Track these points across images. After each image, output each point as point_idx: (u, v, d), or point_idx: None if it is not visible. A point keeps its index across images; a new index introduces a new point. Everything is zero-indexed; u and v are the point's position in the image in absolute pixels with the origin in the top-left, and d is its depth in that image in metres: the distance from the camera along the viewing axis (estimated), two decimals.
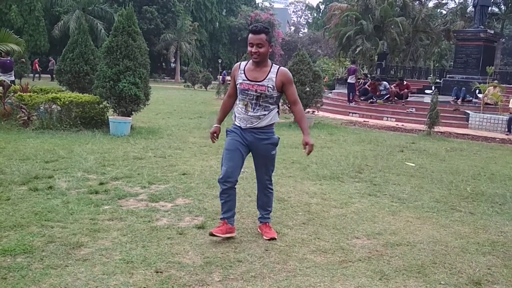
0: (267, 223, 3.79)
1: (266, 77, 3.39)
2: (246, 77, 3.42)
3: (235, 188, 3.57)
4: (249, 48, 3.35)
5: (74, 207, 4.17)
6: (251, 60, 3.47)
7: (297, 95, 3.58)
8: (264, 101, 3.43)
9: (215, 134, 3.65)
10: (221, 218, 3.62)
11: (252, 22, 51.68)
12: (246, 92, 3.43)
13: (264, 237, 3.65)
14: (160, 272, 2.98)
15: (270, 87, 3.39)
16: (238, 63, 3.60)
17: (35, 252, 3.16)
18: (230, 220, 3.60)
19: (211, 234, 3.49)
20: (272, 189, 3.78)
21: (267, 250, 3.45)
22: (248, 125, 3.49)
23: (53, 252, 3.18)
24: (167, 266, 3.08)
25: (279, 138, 3.69)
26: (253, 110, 3.45)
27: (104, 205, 4.32)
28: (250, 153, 3.64)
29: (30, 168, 5.51)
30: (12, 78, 13.31)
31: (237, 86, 3.50)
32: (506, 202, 5.27)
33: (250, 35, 3.34)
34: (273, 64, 3.47)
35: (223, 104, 3.74)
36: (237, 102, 3.59)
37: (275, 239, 3.63)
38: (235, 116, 3.61)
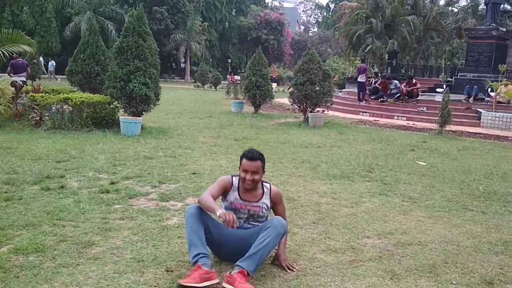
0: (246, 271, 2.86)
1: (261, 198, 3.26)
2: (240, 197, 3.22)
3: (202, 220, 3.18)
4: (242, 174, 3.16)
5: (86, 206, 4.20)
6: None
7: (284, 212, 3.41)
8: (254, 220, 3.25)
9: (232, 220, 2.88)
10: (191, 263, 3.16)
11: (262, 22, 51.77)
12: (238, 211, 3.20)
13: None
14: (171, 271, 2.99)
15: (265, 207, 3.26)
16: (230, 176, 3.30)
17: (47, 251, 3.20)
18: (204, 263, 3.13)
19: (180, 284, 2.93)
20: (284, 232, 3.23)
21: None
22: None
23: (64, 251, 3.21)
24: (177, 265, 3.09)
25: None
26: (242, 226, 3.22)
27: (115, 204, 4.35)
28: None
29: (42, 168, 5.57)
30: (23, 79, 13.43)
31: (227, 202, 3.25)
32: None
33: (245, 161, 3.15)
34: (264, 184, 3.31)
35: (207, 198, 3.06)
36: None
37: None
38: None
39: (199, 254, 2.89)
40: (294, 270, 3.10)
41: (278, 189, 3.48)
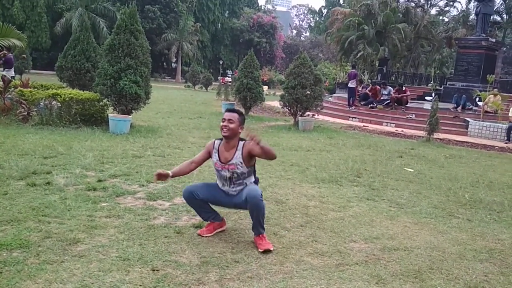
0: (260, 235, 3.55)
1: (234, 155, 3.55)
2: (219, 158, 3.60)
3: (199, 198, 3.65)
4: (221, 123, 3.55)
5: (72, 204, 4.16)
6: (223, 141, 3.61)
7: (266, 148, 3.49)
8: (237, 178, 3.58)
9: (160, 176, 3.58)
10: (205, 221, 3.80)
11: (255, 24, 51.88)
12: (220, 172, 3.62)
13: (259, 249, 3.45)
14: (157, 270, 2.97)
15: (239, 165, 3.53)
16: (213, 141, 3.72)
17: (32, 247, 3.15)
18: (215, 219, 3.76)
19: (200, 235, 3.65)
20: (261, 201, 3.46)
21: (264, 251, 3.44)
22: (229, 193, 3.67)
23: (49, 248, 3.17)
24: (163, 264, 3.07)
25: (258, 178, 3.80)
26: (229, 186, 3.63)
27: (101, 202, 4.31)
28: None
29: (28, 164, 5.50)
30: (13, 73, 13.29)
31: (212, 163, 3.68)
32: (504, 210, 5.26)
33: (225, 113, 3.59)
34: (239, 142, 3.58)
35: (184, 165, 3.74)
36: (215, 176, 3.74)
37: (270, 250, 3.43)
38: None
39: (209, 216, 3.72)
40: (252, 139, 3.31)
41: (252, 143, 3.42)
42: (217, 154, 3.62)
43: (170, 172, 3.60)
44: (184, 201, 3.77)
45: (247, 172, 3.60)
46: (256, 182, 3.71)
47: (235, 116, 3.55)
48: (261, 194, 3.48)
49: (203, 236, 3.62)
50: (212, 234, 3.68)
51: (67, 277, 2.78)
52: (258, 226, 3.54)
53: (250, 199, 3.42)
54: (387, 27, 27.27)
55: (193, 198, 3.63)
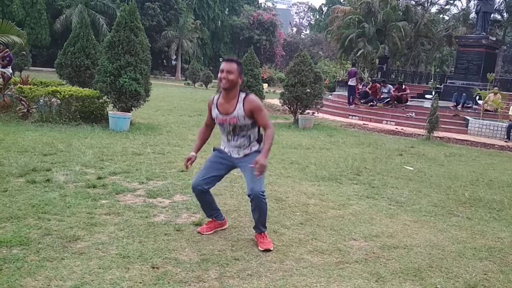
0: (262, 233, 3.56)
1: (235, 108, 3.42)
2: (219, 111, 3.49)
3: (208, 193, 3.61)
4: (219, 74, 3.39)
5: (72, 201, 4.16)
6: (221, 93, 3.50)
7: (267, 119, 3.43)
8: (240, 130, 3.48)
9: (189, 161, 3.55)
10: (207, 217, 3.79)
11: (255, 22, 51.80)
12: (222, 125, 3.52)
13: (259, 248, 3.45)
14: (156, 267, 2.97)
15: (241, 117, 3.41)
16: (212, 96, 3.64)
17: (31, 244, 3.15)
18: (217, 217, 3.76)
19: (200, 232, 3.66)
20: (264, 199, 3.42)
21: (265, 250, 3.44)
22: (232, 154, 3.57)
23: (49, 245, 3.17)
24: (163, 262, 3.08)
25: None
26: (233, 139, 3.53)
27: (101, 200, 4.31)
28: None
29: (28, 161, 5.49)
30: (11, 71, 13.26)
31: (214, 119, 3.58)
32: (504, 208, 5.27)
33: (223, 63, 3.42)
34: (240, 93, 3.45)
35: (201, 133, 3.74)
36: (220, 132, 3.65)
37: (270, 250, 3.42)
38: (221, 141, 3.69)
39: (212, 214, 3.72)
40: (256, 172, 3.25)
41: (258, 99, 3.47)
42: (216, 108, 3.51)
43: (194, 154, 3.57)
44: (193, 196, 3.74)
45: (251, 124, 3.47)
46: (260, 139, 3.56)
47: (233, 66, 3.39)
48: (264, 192, 3.41)
49: (203, 234, 3.63)
50: (211, 232, 3.69)
51: (67, 274, 2.78)
52: (259, 224, 3.53)
53: (253, 196, 3.37)
54: (387, 25, 27.21)
55: (201, 192, 3.56)
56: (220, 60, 3.42)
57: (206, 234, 3.63)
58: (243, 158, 3.53)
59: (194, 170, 5.83)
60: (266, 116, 3.46)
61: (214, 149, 3.72)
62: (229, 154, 3.57)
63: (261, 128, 3.54)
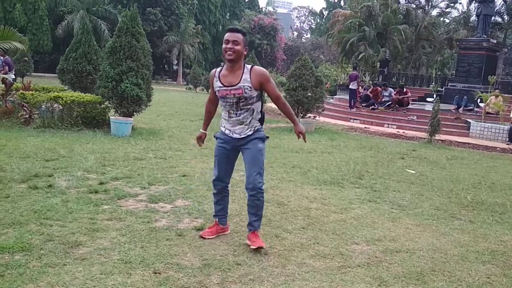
0: (255, 231, 3.57)
1: (240, 79, 3.32)
2: (222, 84, 3.38)
3: (228, 190, 3.68)
4: (224, 45, 3.29)
5: (74, 206, 4.16)
6: (225, 66, 3.42)
7: (277, 89, 3.46)
8: (244, 103, 3.39)
9: (200, 139, 3.70)
10: (214, 216, 3.75)
11: (256, 26, 51.91)
12: (225, 98, 3.40)
13: (251, 246, 3.47)
14: (158, 273, 2.97)
15: (247, 88, 3.32)
16: (214, 69, 3.53)
17: (34, 250, 3.15)
18: (222, 221, 3.73)
19: (201, 237, 3.63)
20: (261, 197, 3.48)
21: (266, 253, 3.44)
22: (234, 135, 3.49)
23: (51, 251, 3.17)
24: (165, 267, 3.07)
25: (267, 136, 3.61)
26: (236, 114, 3.43)
27: (103, 205, 4.31)
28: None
29: (30, 166, 5.50)
30: (13, 76, 13.30)
31: (216, 93, 3.48)
32: (506, 211, 5.25)
33: (227, 33, 3.31)
34: (245, 65, 3.38)
35: (206, 109, 3.72)
36: (222, 109, 3.56)
37: (263, 247, 3.45)
38: (221, 123, 3.60)
39: (220, 214, 3.69)
40: (304, 141, 3.67)
41: (264, 70, 3.45)
42: (218, 81, 3.40)
43: (203, 132, 3.67)
44: (213, 191, 3.72)
45: (256, 97, 3.41)
46: (262, 118, 3.53)
47: (239, 36, 3.28)
48: (262, 188, 3.45)
49: (205, 238, 3.62)
50: (213, 236, 3.66)
51: (69, 280, 2.77)
52: (255, 220, 3.54)
53: (252, 191, 3.40)
54: (388, 28, 27.26)
55: (223, 188, 3.63)
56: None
57: (208, 239, 3.62)
58: (244, 141, 3.46)
59: (196, 175, 5.86)
60: (275, 86, 3.45)
61: (215, 137, 3.64)
62: (230, 135, 3.49)
63: (263, 108, 3.54)
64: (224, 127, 3.54)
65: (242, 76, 3.32)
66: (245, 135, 3.46)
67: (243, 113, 3.41)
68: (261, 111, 3.52)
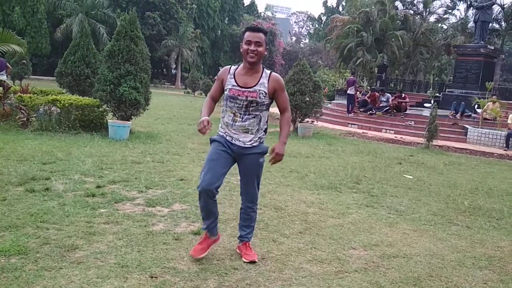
0: (247, 242, 3.45)
1: (258, 82, 3.15)
2: (237, 83, 3.16)
3: (215, 199, 3.24)
4: (245, 46, 3.07)
5: (70, 210, 4.15)
6: (241, 65, 3.22)
7: (288, 103, 3.33)
8: (254, 108, 3.18)
9: (206, 124, 3.02)
10: (203, 228, 3.39)
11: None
12: (235, 99, 3.16)
13: (243, 259, 3.33)
14: (155, 277, 2.96)
15: (262, 93, 3.15)
16: (228, 66, 3.32)
17: (30, 254, 3.14)
18: (212, 231, 3.33)
19: (193, 256, 3.27)
20: (256, 209, 3.45)
21: (263, 258, 3.43)
22: (235, 142, 3.24)
23: (47, 254, 3.16)
24: (162, 271, 3.06)
25: (268, 147, 3.38)
26: (242, 119, 3.19)
27: (100, 208, 4.30)
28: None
29: (27, 169, 5.49)
30: (4, 77, 13.15)
31: (226, 92, 3.22)
32: (503, 217, 5.26)
33: (248, 33, 3.09)
34: (264, 69, 3.22)
35: (207, 103, 3.30)
36: (224, 109, 3.29)
37: (255, 262, 3.32)
38: (221, 124, 3.34)
39: (210, 224, 3.32)
40: (272, 163, 3.31)
41: (281, 77, 3.30)
42: (233, 79, 3.17)
43: (206, 117, 3.08)
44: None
45: (267, 104, 3.23)
46: (265, 131, 3.36)
47: (262, 37, 3.08)
48: (257, 203, 3.45)
49: (197, 258, 3.27)
50: (206, 253, 3.31)
51: (65, 284, 2.76)
52: (247, 233, 3.44)
53: (249, 202, 3.35)
54: (385, 34, 27.38)
55: (209, 196, 3.16)
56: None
57: (200, 258, 3.28)
58: (247, 152, 3.22)
59: (193, 179, 5.85)
60: (288, 99, 3.32)
61: (212, 140, 3.34)
62: (231, 141, 3.23)
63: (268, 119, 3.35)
64: (225, 132, 3.26)
65: (260, 80, 3.16)
66: (249, 145, 3.24)
67: (250, 118, 3.19)
68: (267, 121, 3.36)
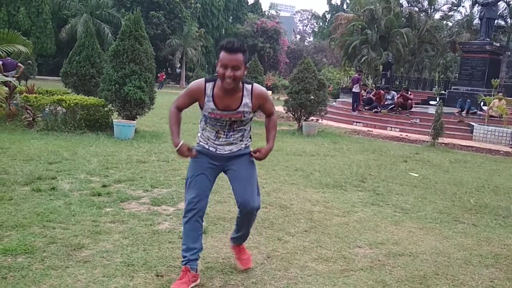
0: (242, 245, 3.25)
1: (240, 103, 2.82)
2: (216, 106, 2.80)
3: (202, 221, 2.94)
4: (220, 70, 2.66)
5: (76, 209, 4.17)
6: (218, 82, 2.79)
7: (273, 107, 3.08)
8: (238, 125, 2.92)
9: (188, 150, 2.92)
10: (183, 262, 2.90)
11: (258, 30, 52.01)
12: (217, 120, 2.87)
13: (239, 265, 3.19)
14: (161, 276, 2.97)
15: (247, 113, 2.87)
16: (202, 82, 2.85)
17: (36, 253, 3.16)
18: (192, 264, 2.89)
19: None
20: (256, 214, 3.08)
21: (268, 257, 3.43)
22: (219, 151, 2.97)
23: (54, 253, 3.17)
24: (168, 270, 3.07)
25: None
26: (226, 135, 2.93)
27: (106, 208, 4.32)
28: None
29: (33, 169, 5.52)
30: (11, 78, 13.14)
31: (204, 113, 2.89)
32: (510, 215, 5.23)
33: (224, 54, 2.64)
34: (244, 84, 2.83)
35: (175, 117, 2.96)
36: (204, 125, 2.99)
37: (250, 268, 3.19)
38: (201, 135, 3.05)
39: (194, 254, 2.90)
40: (256, 158, 2.99)
41: (264, 88, 2.98)
42: (212, 102, 2.80)
43: (183, 143, 2.88)
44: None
45: (251, 118, 2.95)
46: (250, 137, 3.09)
47: (240, 59, 2.64)
48: (259, 208, 3.03)
49: None
50: None
51: (71, 283, 2.78)
52: (244, 235, 3.18)
53: (249, 210, 2.94)
54: (390, 31, 27.29)
55: (198, 216, 2.91)
56: (218, 48, 2.67)
57: None
58: (234, 159, 2.97)
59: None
60: (272, 104, 3.06)
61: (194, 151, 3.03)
62: (215, 152, 2.96)
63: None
64: (207, 143, 2.98)
65: (242, 101, 2.82)
66: (235, 154, 2.97)
67: (235, 134, 2.94)
68: (250, 128, 3.09)
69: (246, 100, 2.83)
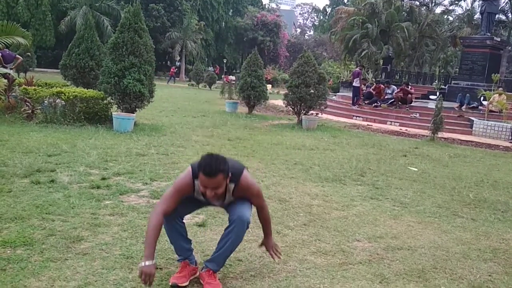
0: (214, 272, 2.86)
1: (224, 199, 2.83)
2: (205, 199, 2.77)
3: (184, 222, 2.96)
4: (201, 189, 2.64)
5: (76, 201, 4.17)
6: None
7: (263, 199, 2.96)
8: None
9: (150, 276, 2.50)
10: (178, 260, 2.97)
11: (259, 23, 51.83)
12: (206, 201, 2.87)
13: None
14: (160, 268, 2.97)
15: (231, 199, 2.85)
16: (190, 179, 2.73)
17: (35, 245, 3.16)
18: (191, 259, 2.97)
19: (174, 283, 2.79)
20: (244, 234, 2.92)
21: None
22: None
23: (53, 245, 3.18)
24: (166, 262, 3.08)
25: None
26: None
27: (105, 200, 4.32)
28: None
29: (32, 161, 5.52)
30: (9, 70, 13.08)
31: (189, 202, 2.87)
32: (509, 209, 5.24)
33: (203, 177, 2.57)
34: (227, 186, 2.73)
35: (155, 227, 2.64)
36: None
37: None
38: None
39: (185, 256, 2.93)
40: (279, 257, 3.11)
41: (252, 183, 2.86)
42: (201, 195, 2.76)
43: (152, 263, 2.54)
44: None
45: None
46: None
47: (220, 180, 2.58)
48: (249, 222, 2.85)
49: (179, 286, 2.80)
50: (187, 282, 2.84)
51: (70, 275, 2.78)
52: (220, 257, 2.86)
53: (240, 222, 2.78)
54: (391, 25, 27.21)
55: (177, 220, 2.89)
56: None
57: (183, 286, 2.81)
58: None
59: None
60: (261, 196, 2.94)
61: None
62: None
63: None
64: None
65: (226, 198, 2.81)
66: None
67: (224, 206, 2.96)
68: None
69: (229, 194, 2.79)
